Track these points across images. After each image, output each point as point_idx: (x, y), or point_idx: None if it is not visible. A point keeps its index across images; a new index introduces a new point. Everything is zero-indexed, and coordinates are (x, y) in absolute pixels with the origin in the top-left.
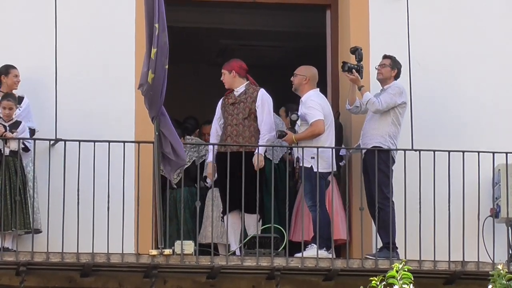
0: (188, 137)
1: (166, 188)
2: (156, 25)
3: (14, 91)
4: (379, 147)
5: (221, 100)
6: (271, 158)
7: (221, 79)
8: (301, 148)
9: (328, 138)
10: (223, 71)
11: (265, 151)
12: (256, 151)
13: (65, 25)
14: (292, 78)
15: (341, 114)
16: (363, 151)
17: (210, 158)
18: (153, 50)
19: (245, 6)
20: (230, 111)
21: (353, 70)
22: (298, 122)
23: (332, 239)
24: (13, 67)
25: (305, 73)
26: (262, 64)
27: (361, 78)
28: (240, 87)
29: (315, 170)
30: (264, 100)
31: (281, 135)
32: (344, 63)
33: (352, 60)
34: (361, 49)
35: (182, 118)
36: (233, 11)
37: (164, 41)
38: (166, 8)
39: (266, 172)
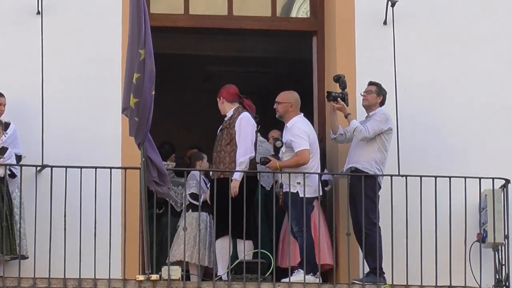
0: (164, 162)
1: (153, 214)
2: (141, 51)
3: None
4: (366, 173)
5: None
6: (263, 185)
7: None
8: (284, 174)
9: (314, 164)
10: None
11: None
12: (233, 176)
13: (52, 51)
14: (275, 106)
15: (326, 140)
16: (348, 176)
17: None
18: (136, 75)
19: (231, 33)
20: (218, 137)
21: (338, 99)
22: (283, 148)
23: (319, 264)
24: (0, 95)
25: (289, 100)
26: (248, 90)
27: (347, 106)
28: (229, 112)
29: (301, 195)
30: (242, 123)
31: (264, 161)
32: (328, 93)
33: (336, 88)
34: (344, 77)
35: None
36: (220, 37)
37: (151, 68)
38: (153, 35)
39: (256, 198)
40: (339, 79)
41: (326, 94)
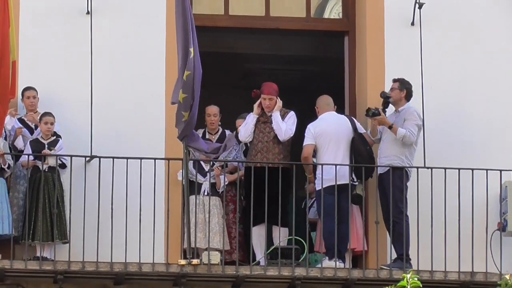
0: None
1: (195, 202)
2: (191, 49)
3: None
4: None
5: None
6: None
7: (266, 104)
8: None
9: (329, 154)
10: (269, 96)
11: None
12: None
13: (100, 49)
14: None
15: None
16: (379, 169)
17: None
18: (186, 72)
19: (268, 32)
20: (261, 129)
21: (378, 113)
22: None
23: (349, 249)
24: (27, 88)
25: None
26: (283, 86)
27: (387, 108)
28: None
29: (317, 188)
30: (292, 120)
31: (374, 113)
32: (368, 109)
33: (373, 100)
34: (390, 97)
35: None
36: (257, 36)
37: (198, 66)
38: None
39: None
40: (386, 98)
41: (366, 110)
